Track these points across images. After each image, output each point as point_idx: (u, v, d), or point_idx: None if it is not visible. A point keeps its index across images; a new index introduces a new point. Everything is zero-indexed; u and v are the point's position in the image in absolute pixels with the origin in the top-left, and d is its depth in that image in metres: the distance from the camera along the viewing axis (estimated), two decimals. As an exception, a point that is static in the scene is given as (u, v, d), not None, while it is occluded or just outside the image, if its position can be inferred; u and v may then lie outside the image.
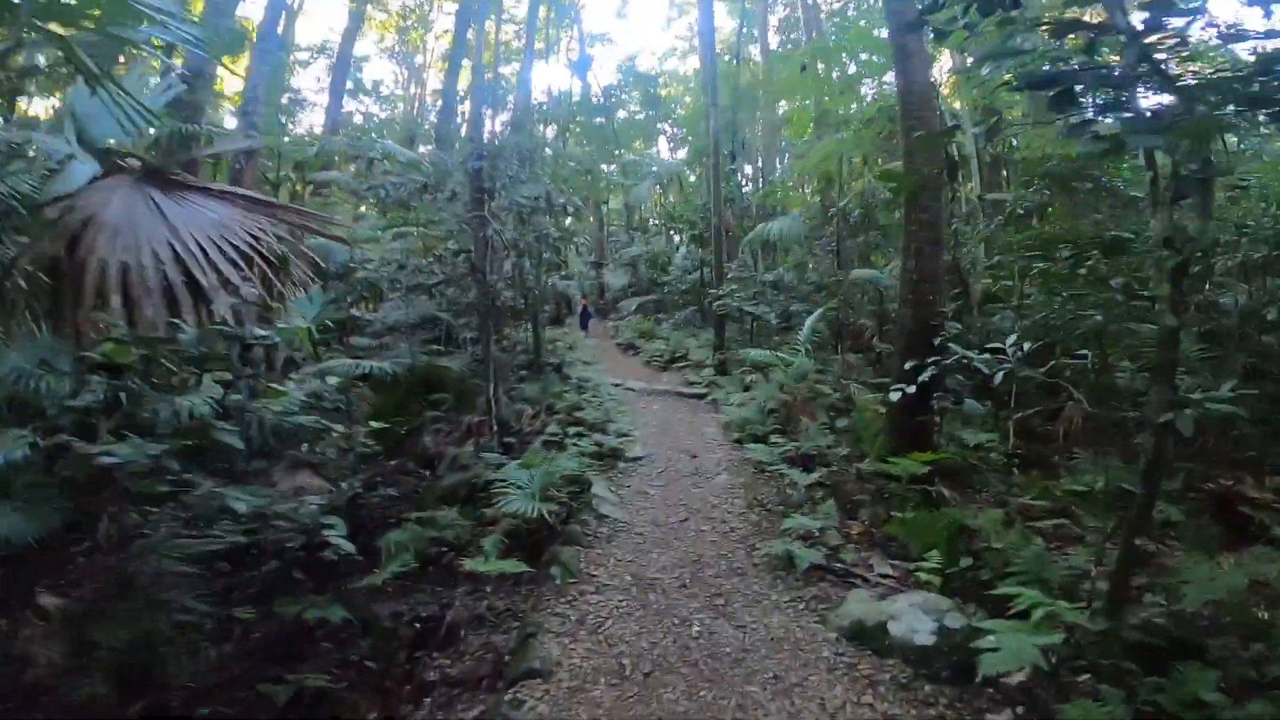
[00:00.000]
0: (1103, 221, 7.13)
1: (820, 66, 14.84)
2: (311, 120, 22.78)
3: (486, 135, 11.00)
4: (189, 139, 7.51)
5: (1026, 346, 4.61)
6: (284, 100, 18.23)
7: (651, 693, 3.40)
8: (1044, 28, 2.75)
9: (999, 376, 4.34)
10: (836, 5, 18.08)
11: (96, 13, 2.51)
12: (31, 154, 3.81)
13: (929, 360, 4.94)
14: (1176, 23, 2.63)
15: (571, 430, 7.95)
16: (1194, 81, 2.64)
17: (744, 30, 21.96)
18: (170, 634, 3.43)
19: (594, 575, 4.74)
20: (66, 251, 2.65)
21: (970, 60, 10.95)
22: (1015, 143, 10.24)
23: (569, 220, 16.91)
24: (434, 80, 31.56)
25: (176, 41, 3.22)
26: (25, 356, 3.65)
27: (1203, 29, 2.96)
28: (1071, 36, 3.00)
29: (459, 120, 20.43)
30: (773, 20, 24.30)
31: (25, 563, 3.28)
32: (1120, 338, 5.48)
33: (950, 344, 5.09)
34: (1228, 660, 3.02)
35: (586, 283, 24.40)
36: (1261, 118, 2.81)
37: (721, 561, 4.98)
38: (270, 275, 2.76)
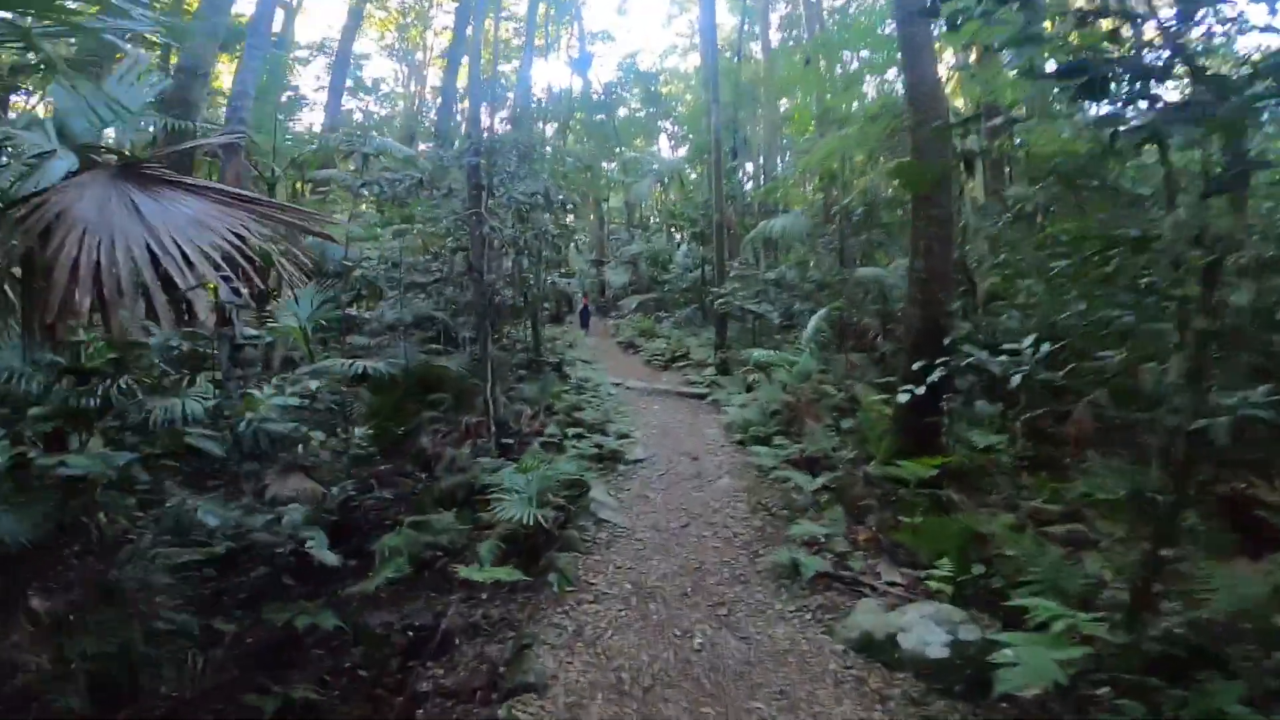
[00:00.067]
0: (1108, 220, 6.98)
1: (822, 63, 14.70)
2: (311, 119, 22.64)
3: (485, 132, 10.86)
4: (182, 135, 7.39)
5: (1045, 347, 4.46)
6: (283, 99, 18.07)
7: (651, 709, 3.27)
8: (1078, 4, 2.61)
9: (1016, 379, 4.19)
10: (839, 2, 17.92)
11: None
12: (11, 150, 3.69)
13: (938, 360, 4.82)
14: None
15: (571, 431, 7.85)
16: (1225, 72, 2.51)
17: (745, 27, 21.79)
18: (149, 645, 3.31)
19: (592, 583, 4.62)
20: (39, 248, 2.52)
21: (974, 57, 10.84)
22: (1019, 140, 10.08)
23: (569, 217, 16.77)
24: (434, 77, 31.47)
25: (142, 30, 3.09)
26: (15, 355, 3.53)
27: (1222, 23, 2.83)
28: (1093, 25, 2.87)
29: (458, 118, 20.28)
30: (774, 17, 24.10)
31: (21, 564, 3.17)
32: (1151, 339, 5.34)
33: (960, 344, 4.96)
34: (1249, 670, 2.91)
35: (587, 281, 24.25)
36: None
37: (724, 569, 4.86)
38: (252, 274, 2.63)
